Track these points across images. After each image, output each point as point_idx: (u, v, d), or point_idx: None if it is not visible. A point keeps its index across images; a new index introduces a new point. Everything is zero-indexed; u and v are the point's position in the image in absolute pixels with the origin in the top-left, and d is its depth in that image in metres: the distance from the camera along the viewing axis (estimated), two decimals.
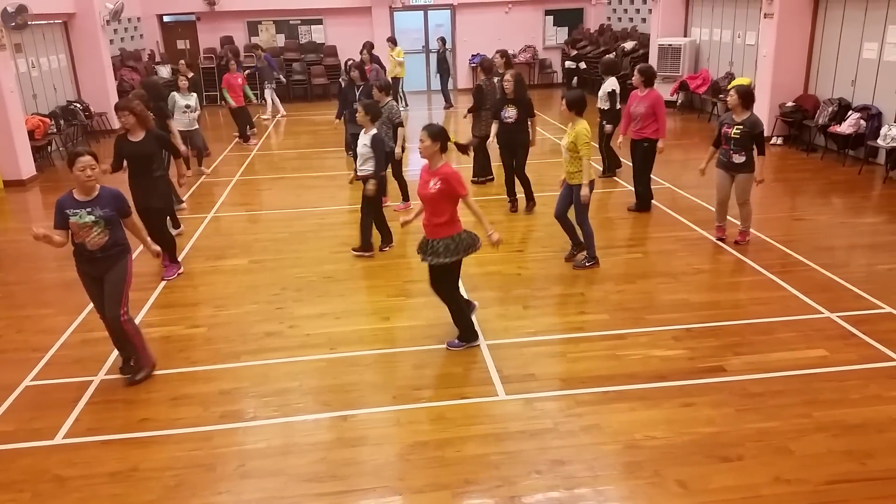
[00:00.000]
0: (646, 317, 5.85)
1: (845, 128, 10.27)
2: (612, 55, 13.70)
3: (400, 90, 15.88)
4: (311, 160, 12.28)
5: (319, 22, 19.34)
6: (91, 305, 6.11)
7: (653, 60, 15.30)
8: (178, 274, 7.06)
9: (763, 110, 11.94)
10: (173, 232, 8.04)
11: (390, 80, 9.41)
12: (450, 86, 17.22)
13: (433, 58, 19.08)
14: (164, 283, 6.89)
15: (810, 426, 4.33)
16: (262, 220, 8.97)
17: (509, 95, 8.23)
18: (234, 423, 4.58)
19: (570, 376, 5.01)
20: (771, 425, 4.35)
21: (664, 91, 15.04)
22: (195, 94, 10.74)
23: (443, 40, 17.18)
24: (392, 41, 15.85)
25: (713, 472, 3.96)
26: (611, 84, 9.57)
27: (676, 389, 4.78)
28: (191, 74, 12.29)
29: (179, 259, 7.28)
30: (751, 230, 7.41)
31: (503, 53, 9.89)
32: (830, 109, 10.72)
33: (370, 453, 4.25)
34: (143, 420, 4.65)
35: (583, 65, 13.96)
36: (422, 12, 19.53)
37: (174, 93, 10.56)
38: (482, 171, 10.04)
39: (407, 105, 16.72)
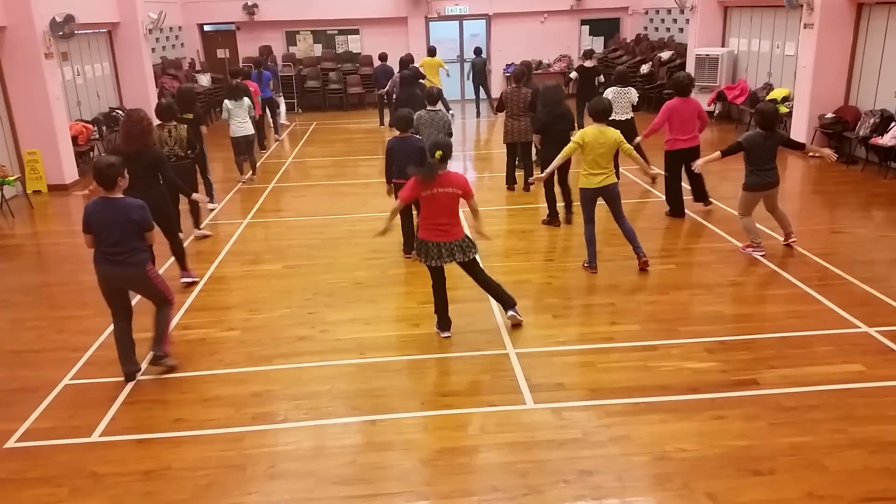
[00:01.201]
0: (679, 328, 5.79)
1: (887, 140, 10.06)
2: (624, 67, 13.48)
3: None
4: (346, 168, 12.42)
5: (356, 32, 19.57)
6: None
7: (690, 71, 15.17)
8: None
9: (802, 122, 11.78)
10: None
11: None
12: (482, 95, 17.22)
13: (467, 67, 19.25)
14: (199, 286, 7.02)
15: (845, 442, 4.25)
16: (296, 226, 9.09)
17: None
18: (266, 425, 4.65)
19: (599, 386, 4.98)
20: (805, 440, 4.28)
21: (702, 100, 14.92)
22: (226, 101, 10.84)
23: (478, 50, 17.21)
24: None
25: (744, 486, 3.90)
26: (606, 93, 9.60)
27: (708, 402, 4.72)
28: (235, 80, 12.18)
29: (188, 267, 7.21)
30: (750, 247, 7.36)
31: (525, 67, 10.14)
32: (872, 121, 10.50)
33: (398, 458, 4.27)
34: (176, 420, 4.74)
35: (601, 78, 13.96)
36: (457, 22, 19.64)
37: None
38: (508, 178, 10.13)
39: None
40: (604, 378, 5.10)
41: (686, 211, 8.67)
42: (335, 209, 9.67)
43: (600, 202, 6.98)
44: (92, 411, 4.87)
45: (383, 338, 5.83)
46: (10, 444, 4.55)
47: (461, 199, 5.50)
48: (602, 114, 6.82)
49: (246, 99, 10.80)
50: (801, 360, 5.23)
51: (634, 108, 9.60)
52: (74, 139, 11.78)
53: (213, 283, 7.17)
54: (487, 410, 4.73)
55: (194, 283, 7.04)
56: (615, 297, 6.45)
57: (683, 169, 8.49)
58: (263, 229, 9.02)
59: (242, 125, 10.81)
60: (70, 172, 11.37)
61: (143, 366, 5.41)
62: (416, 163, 7.06)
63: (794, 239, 7.40)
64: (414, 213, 7.30)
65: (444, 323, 5.79)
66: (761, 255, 7.21)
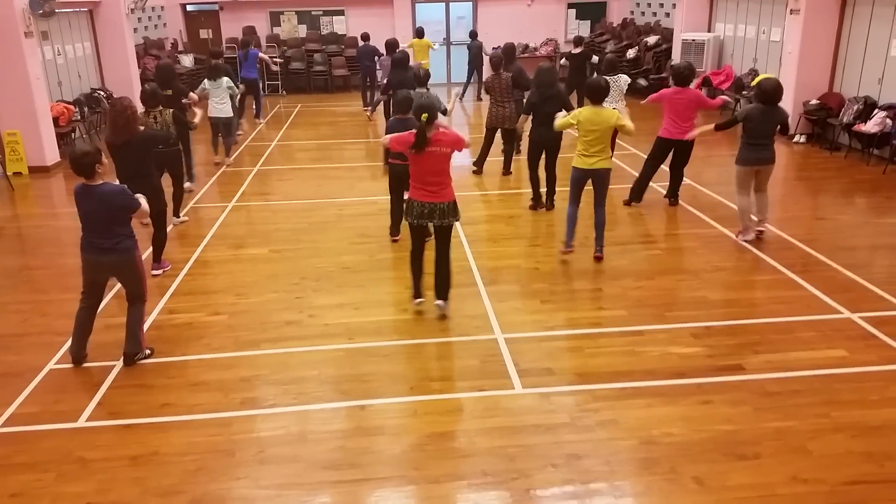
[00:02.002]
0: (665, 314, 5.84)
1: (871, 126, 10.14)
2: (613, 55, 13.38)
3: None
4: (331, 151, 12.34)
5: (341, 13, 19.37)
6: (113, 292, 6.25)
7: (676, 56, 15.20)
8: None
9: (787, 108, 11.74)
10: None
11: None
12: (474, 79, 17.17)
13: (455, 50, 19.22)
14: (184, 270, 6.98)
15: (829, 426, 4.31)
16: (281, 210, 9.02)
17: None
18: (254, 410, 4.64)
19: (587, 371, 5.01)
20: (789, 424, 4.33)
21: None
22: (205, 80, 10.73)
23: (473, 33, 17.05)
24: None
25: (730, 470, 3.95)
26: None
27: (694, 387, 4.77)
28: (214, 60, 12.03)
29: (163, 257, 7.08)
30: (741, 232, 7.44)
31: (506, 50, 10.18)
32: (856, 108, 10.58)
33: (387, 442, 4.28)
34: (163, 405, 4.72)
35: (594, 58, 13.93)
36: (443, 4, 19.49)
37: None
38: (479, 161, 10.25)
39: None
40: (591, 363, 5.13)
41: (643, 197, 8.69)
42: (321, 193, 9.61)
43: (587, 187, 6.95)
44: (77, 396, 4.83)
45: (371, 323, 5.83)
46: None
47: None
48: (597, 93, 6.66)
49: (225, 79, 10.65)
50: (785, 345, 5.29)
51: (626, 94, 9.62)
52: (56, 120, 11.59)
53: (199, 266, 7.12)
54: (476, 395, 4.75)
55: (164, 272, 6.93)
56: (602, 283, 6.48)
57: (669, 162, 8.46)
58: (248, 213, 8.95)
59: (220, 106, 10.66)
60: (51, 154, 11.20)
61: (115, 361, 5.38)
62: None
63: (763, 228, 7.38)
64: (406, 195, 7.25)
65: (417, 290, 5.91)
66: (746, 241, 7.25)
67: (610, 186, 6.99)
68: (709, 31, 15.34)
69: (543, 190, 8.56)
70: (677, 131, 8.14)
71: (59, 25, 12.83)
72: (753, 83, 13.00)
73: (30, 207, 9.65)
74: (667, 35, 16.51)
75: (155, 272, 6.85)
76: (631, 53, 16.83)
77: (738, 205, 7.36)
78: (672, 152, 8.39)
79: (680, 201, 8.64)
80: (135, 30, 15.91)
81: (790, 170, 10.45)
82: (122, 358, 5.22)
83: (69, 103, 12.54)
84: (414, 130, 5.42)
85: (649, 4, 18.40)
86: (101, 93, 13.88)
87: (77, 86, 13.53)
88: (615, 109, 9.24)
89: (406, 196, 5.86)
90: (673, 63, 8.78)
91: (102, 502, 3.85)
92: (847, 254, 6.95)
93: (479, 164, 10.21)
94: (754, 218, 7.40)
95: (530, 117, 8.28)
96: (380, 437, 4.35)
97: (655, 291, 6.27)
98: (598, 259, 6.92)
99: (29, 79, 10.65)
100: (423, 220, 5.58)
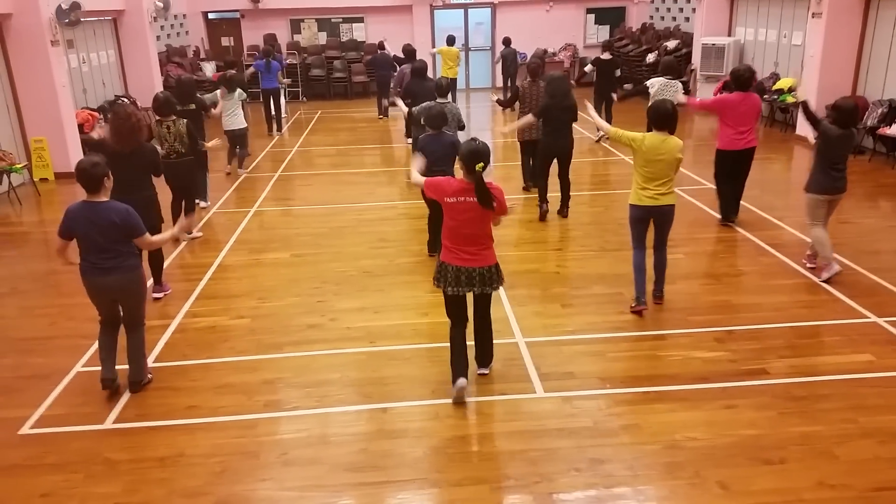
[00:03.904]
0: (687, 318, 5.80)
1: (895, 130, 10.03)
2: (669, 56, 13.04)
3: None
4: (351, 157, 12.41)
5: (361, 20, 19.50)
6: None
7: (696, 60, 15.13)
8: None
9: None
10: None
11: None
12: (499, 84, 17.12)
13: (476, 56, 19.23)
14: (207, 274, 7.05)
15: (856, 432, 4.26)
16: (302, 215, 9.09)
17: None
18: (277, 413, 4.67)
19: (609, 375, 4.99)
20: (815, 429, 4.29)
21: (707, 91, 14.88)
22: (217, 90, 10.64)
23: (507, 40, 16.84)
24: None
25: (755, 475, 3.92)
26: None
27: (718, 391, 4.74)
28: (229, 71, 12.07)
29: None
30: (818, 268, 6.67)
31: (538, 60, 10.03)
32: (880, 111, 10.48)
33: (409, 445, 4.30)
34: (189, 407, 4.77)
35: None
36: (462, 10, 19.55)
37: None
38: (526, 177, 10.02)
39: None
40: (613, 367, 5.12)
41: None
42: (341, 198, 9.67)
43: None
44: (104, 398, 4.89)
45: (392, 326, 5.85)
46: (25, 430, 4.59)
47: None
48: (663, 120, 5.55)
49: (237, 91, 10.59)
50: (810, 349, 5.25)
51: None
52: (80, 127, 11.77)
53: (221, 271, 7.19)
54: (498, 399, 4.76)
55: (165, 297, 6.57)
56: (623, 287, 6.45)
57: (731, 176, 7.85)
58: (270, 218, 9.03)
59: (234, 118, 10.61)
60: (76, 160, 11.30)
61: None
62: (450, 159, 6.44)
63: (814, 265, 6.61)
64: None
65: (458, 369, 4.68)
66: (834, 274, 6.30)
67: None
68: (729, 35, 15.25)
69: (552, 195, 8.49)
70: (741, 141, 7.50)
71: (84, 34, 13.04)
72: (774, 87, 12.93)
73: (56, 213, 9.76)
74: (687, 39, 16.45)
75: (156, 295, 6.47)
76: (650, 58, 16.78)
77: (814, 238, 6.40)
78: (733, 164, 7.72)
79: (703, 206, 8.57)
80: (157, 37, 16.13)
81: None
82: (128, 386, 4.97)
83: (93, 110, 12.74)
84: (450, 178, 4.68)
85: (668, 9, 18.33)
86: (125, 100, 14.06)
87: (101, 93, 13.75)
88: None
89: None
90: (733, 67, 8.16)
91: (130, 503, 3.90)
92: (871, 258, 6.87)
93: (527, 180, 9.78)
94: (826, 253, 6.40)
95: (540, 122, 8.23)
96: (402, 439, 4.36)
97: (678, 295, 6.23)
98: (657, 302, 6.08)
99: (55, 86, 10.83)
100: (461, 289, 4.58)
